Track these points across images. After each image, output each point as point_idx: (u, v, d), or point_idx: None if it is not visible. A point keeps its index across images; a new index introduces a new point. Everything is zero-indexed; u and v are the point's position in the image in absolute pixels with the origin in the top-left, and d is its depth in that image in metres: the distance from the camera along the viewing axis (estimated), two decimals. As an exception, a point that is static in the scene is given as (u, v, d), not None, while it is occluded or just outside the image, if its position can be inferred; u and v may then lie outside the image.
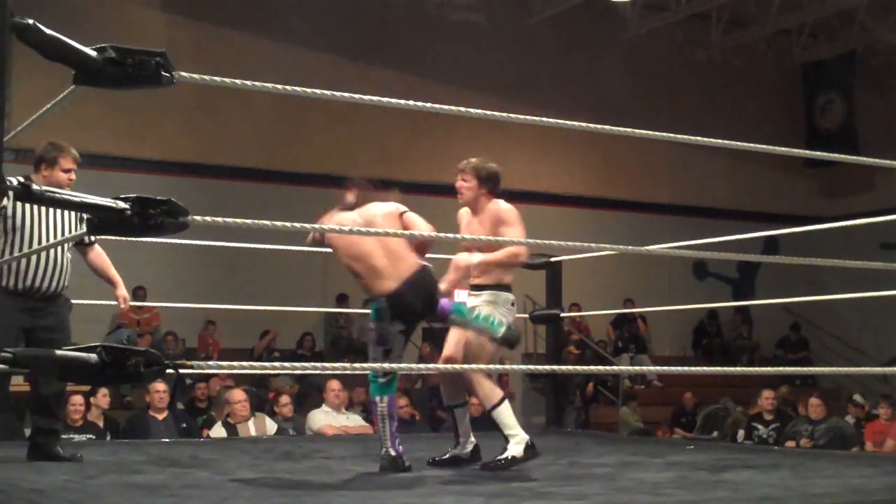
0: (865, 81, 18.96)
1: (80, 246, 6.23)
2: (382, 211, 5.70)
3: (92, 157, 13.94)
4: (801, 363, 17.89)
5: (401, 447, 5.58)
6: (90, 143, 14.24)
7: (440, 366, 5.84)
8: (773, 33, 18.75)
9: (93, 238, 6.18)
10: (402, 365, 5.48)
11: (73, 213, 5.88)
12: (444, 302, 5.65)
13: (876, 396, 13.68)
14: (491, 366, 5.74)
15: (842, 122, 19.17)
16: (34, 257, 5.79)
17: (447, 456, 5.98)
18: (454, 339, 5.91)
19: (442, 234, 4.48)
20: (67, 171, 5.90)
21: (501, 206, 5.91)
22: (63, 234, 5.89)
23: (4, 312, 5.73)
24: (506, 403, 5.76)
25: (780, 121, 19.37)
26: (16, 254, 5.70)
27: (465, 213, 6.11)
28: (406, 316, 5.58)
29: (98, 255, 6.29)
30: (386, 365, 5.36)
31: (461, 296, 5.92)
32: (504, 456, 5.64)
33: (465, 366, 5.74)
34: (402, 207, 5.72)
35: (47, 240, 5.81)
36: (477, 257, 5.84)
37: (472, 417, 6.19)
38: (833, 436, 10.45)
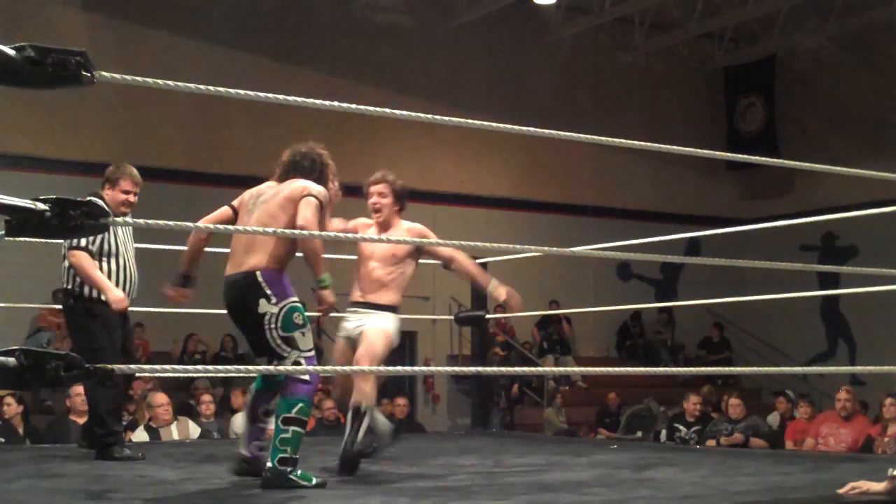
0: (785, 85, 19.23)
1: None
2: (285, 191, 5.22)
3: (12, 159, 13.80)
4: (723, 363, 18.04)
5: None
6: (10, 144, 14.08)
7: (353, 367, 5.60)
8: (695, 37, 18.94)
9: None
10: (318, 367, 5.31)
11: (132, 230, 6.39)
12: None
13: (796, 396, 13.88)
14: (418, 368, 5.57)
15: (762, 125, 19.41)
16: (127, 274, 6.36)
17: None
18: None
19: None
20: (127, 192, 6.34)
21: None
22: (132, 248, 6.44)
23: (116, 330, 6.24)
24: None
25: (702, 124, 19.54)
26: (114, 273, 6.25)
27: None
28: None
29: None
30: (301, 368, 4.97)
31: None
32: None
33: (376, 367, 5.54)
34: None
35: (128, 257, 6.37)
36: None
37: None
38: (751, 434, 10.58)
